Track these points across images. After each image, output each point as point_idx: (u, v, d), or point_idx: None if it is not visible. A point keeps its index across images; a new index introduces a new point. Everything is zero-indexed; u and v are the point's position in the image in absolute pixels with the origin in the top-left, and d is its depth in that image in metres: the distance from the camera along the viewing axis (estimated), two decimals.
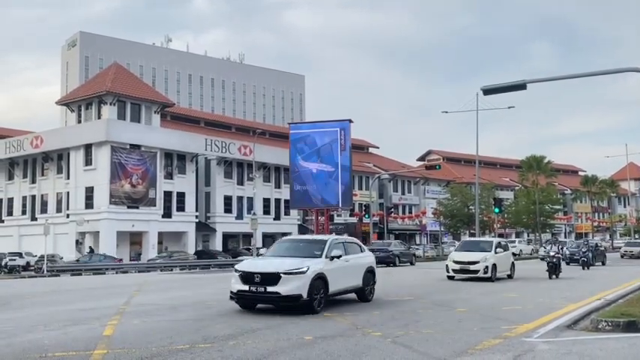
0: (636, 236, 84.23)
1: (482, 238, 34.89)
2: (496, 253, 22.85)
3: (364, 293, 14.63)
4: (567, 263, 33.72)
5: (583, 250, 31.67)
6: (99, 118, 46.35)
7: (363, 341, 9.41)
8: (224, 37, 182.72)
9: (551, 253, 23.79)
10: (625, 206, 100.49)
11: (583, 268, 29.59)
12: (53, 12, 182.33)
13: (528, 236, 79.56)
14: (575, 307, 13.32)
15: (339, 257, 13.19)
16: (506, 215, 66.17)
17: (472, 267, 22.00)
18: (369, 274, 14.88)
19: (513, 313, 12.74)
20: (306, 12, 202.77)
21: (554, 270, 23.27)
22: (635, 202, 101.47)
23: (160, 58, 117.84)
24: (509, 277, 23.50)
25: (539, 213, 62.65)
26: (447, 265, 23.14)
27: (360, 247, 15.48)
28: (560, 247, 25.54)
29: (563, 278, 23.10)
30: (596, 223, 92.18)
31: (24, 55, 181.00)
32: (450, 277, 22.48)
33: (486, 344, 9.00)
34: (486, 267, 21.77)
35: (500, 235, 59.73)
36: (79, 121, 48.21)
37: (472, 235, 58.63)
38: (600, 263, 35.23)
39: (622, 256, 44.74)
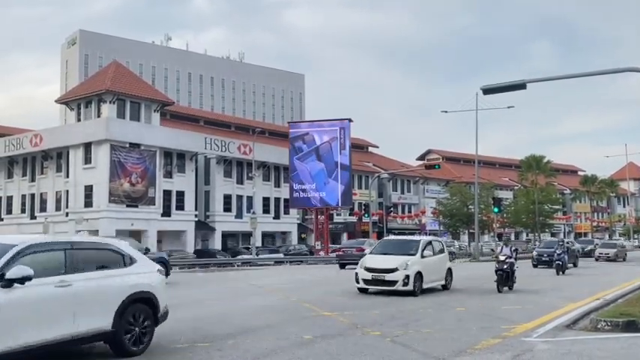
0: (630, 236, 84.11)
1: (407, 237, 25.88)
2: (423, 256, 17.31)
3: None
4: (535, 265, 31.99)
5: (558, 251, 27.06)
6: (98, 116, 46.30)
7: (363, 340, 9.41)
8: (224, 36, 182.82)
9: (501, 258, 18.01)
10: (624, 206, 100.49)
11: (557, 273, 25.80)
12: (53, 10, 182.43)
13: (527, 236, 79.53)
14: (574, 307, 13.33)
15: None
16: (505, 215, 66.13)
17: (388, 276, 16.30)
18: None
19: (512, 312, 12.75)
20: (306, 11, 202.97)
21: (504, 281, 17.66)
22: (635, 202, 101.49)
23: (160, 56, 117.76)
24: (445, 287, 18.34)
25: (539, 213, 62.62)
26: (356, 274, 17.15)
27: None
28: (513, 248, 19.15)
29: (522, 291, 17.92)
30: (595, 223, 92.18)
31: (24, 54, 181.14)
32: (362, 290, 16.93)
33: (485, 344, 9.00)
34: (407, 276, 16.12)
35: (500, 235, 59.75)
36: (79, 120, 48.15)
37: (471, 234, 58.65)
38: (572, 265, 31.05)
39: (596, 259, 40.85)
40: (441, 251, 19.35)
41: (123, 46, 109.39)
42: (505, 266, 17.72)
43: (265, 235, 57.09)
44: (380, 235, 60.53)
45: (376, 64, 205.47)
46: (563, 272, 26.06)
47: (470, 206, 57.07)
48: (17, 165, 52.29)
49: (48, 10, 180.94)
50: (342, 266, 32.28)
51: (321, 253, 47.78)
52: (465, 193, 60.72)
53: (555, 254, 27.13)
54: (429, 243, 18.74)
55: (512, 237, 78.15)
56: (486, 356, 8.15)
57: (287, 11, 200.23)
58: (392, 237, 30.91)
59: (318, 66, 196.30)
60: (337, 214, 62.90)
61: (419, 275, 16.55)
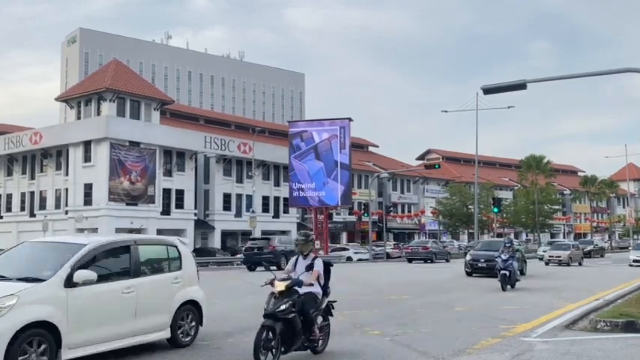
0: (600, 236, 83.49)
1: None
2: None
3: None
4: (469, 273, 24.55)
5: (503, 256, 18.78)
6: (98, 114, 46.27)
7: (362, 340, 9.41)
8: (224, 34, 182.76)
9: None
10: (624, 207, 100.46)
11: (503, 287, 18.03)
12: (53, 8, 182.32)
13: (527, 236, 79.59)
14: (573, 307, 13.31)
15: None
16: (505, 215, 66.22)
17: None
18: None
19: (512, 312, 12.74)
20: (306, 10, 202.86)
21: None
22: (634, 203, 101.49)
23: (160, 55, 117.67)
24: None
25: (538, 213, 62.66)
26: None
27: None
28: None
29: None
30: (595, 224, 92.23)
31: (24, 52, 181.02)
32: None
33: (485, 343, 8.99)
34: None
35: (499, 235, 59.75)
36: (79, 118, 48.12)
37: (471, 235, 58.67)
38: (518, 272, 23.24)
39: (546, 263, 35.25)
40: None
41: (123, 44, 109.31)
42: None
43: (265, 234, 57.02)
44: (379, 235, 60.74)
45: (376, 64, 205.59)
46: (513, 286, 18.55)
47: (469, 206, 57.15)
48: (17, 163, 52.26)
49: (48, 8, 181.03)
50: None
51: (321, 252, 47.76)
52: (465, 193, 60.79)
53: (499, 260, 18.76)
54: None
55: (512, 236, 78.21)
56: (486, 356, 8.14)
57: (287, 10, 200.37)
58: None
59: (318, 65, 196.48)
60: (337, 214, 62.91)
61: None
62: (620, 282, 20.72)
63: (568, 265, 34.09)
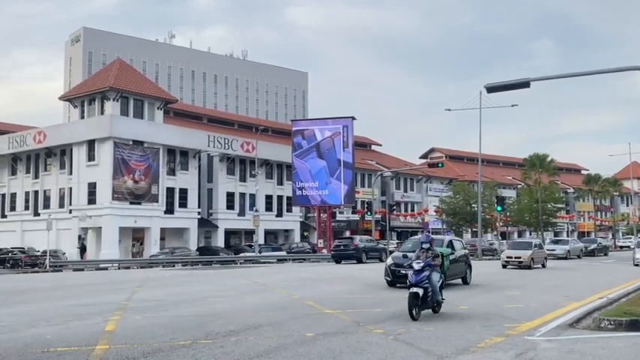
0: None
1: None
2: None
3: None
4: (391, 283, 17.99)
5: (416, 265, 11.66)
6: (102, 113, 46.36)
7: (365, 338, 9.40)
8: (227, 33, 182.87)
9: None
10: (628, 205, 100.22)
11: (412, 315, 11.26)
12: (57, 7, 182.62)
13: (530, 234, 79.44)
14: (577, 306, 13.28)
15: None
16: (508, 214, 66.07)
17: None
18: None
19: (515, 311, 12.71)
20: (309, 9, 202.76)
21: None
22: (638, 201, 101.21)
23: (163, 54, 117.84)
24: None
25: (542, 211, 62.53)
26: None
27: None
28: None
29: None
30: (598, 222, 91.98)
31: (27, 51, 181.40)
32: None
33: (488, 342, 8.98)
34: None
35: (503, 234, 59.67)
36: (82, 117, 48.21)
37: (474, 233, 58.59)
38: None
39: (504, 266, 29.57)
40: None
41: (126, 43, 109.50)
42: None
43: (268, 233, 57.11)
44: (383, 234, 60.70)
45: (379, 62, 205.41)
46: (435, 310, 11.90)
47: (473, 205, 57.05)
48: (21, 162, 52.40)
49: (50, 6, 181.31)
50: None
51: (324, 251, 47.79)
52: (468, 192, 60.68)
53: (410, 272, 11.62)
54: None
55: (516, 235, 78.13)
56: (489, 354, 8.13)
57: (290, 9, 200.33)
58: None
59: (322, 64, 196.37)
60: (340, 212, 62.90)
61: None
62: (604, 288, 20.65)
63: (529, 267, 28.75)
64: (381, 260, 34.11)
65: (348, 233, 65.47)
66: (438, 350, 8.35)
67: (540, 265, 30.27)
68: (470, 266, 20.22)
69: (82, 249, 43.09)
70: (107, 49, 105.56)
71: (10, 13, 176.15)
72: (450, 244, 19.21)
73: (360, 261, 35.43)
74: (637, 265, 31.50)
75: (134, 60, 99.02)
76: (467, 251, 21.48)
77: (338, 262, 36.21)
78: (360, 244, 37.34)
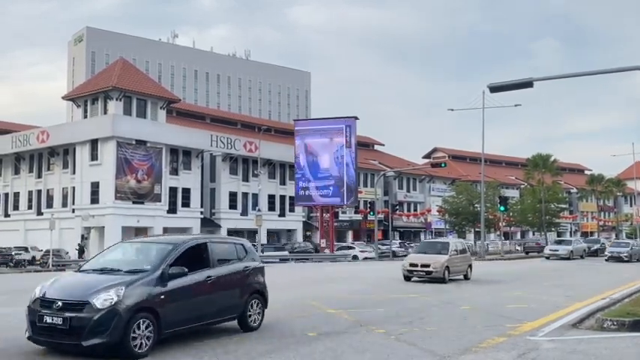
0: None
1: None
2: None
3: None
4: (408, 278, 20.57)
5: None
6: (105, 113, 46.40)
7: (367, 338, 9.40)
8: (230, 33, 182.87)
9: None
10: (631, 205, 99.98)
11: None
12: (60, 7, 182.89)
13: (533, 234, 79.34)
14: (580, 306, 13.27)
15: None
16: (511, 214, 65.96)
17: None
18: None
19: (518, 311, 12.70)
20: (311, 8, 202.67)
21: None
22: None
23: (166, 53, 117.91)
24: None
25: (545, 212, 62.43)
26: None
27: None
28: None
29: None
30: (602, 223, 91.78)
31: (30, 50, 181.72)
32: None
33: (491, 342, 8.97)
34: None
35: (506, 234, 59.58)
36: (85, 117, 48.26)
37: (477, 233, 58.54)
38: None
39: (407, 278, 21.10)
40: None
41: (129, 43, 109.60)
42: None
43: (270, 233, 57.11)
44: (385, 234, 60.64)
45: (382, 62, 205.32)
46: None
47: (476, 205, 56.95)
48: (24, 161, 52.49)
49: (53, 6, 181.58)
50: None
51: (327, 251, 47.77)
52: (471, 192, 60.59)
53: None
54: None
55: (519, 236, 78.01)
56: (492, 354, 8.12)
57: (292, 8, 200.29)
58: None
59: (324, 63, 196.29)
60: (342, 212, 62.87)
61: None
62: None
63: (443, 280, 20.20)
64: None
65: (350, 233, 65.60)
66: (440, 350, 8.34)
67: (462, 277, 21.92)
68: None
69: (81, 250, 42.94)
70: (110, 49, 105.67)
71: (13, 13, 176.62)
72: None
73: None
74: (607, 260, 37.21)
75: (137, 60, 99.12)
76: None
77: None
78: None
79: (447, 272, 20.59)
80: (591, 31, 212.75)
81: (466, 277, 22.05)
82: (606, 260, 38.18)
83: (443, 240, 27.03)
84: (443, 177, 76.70)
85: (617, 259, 37.70)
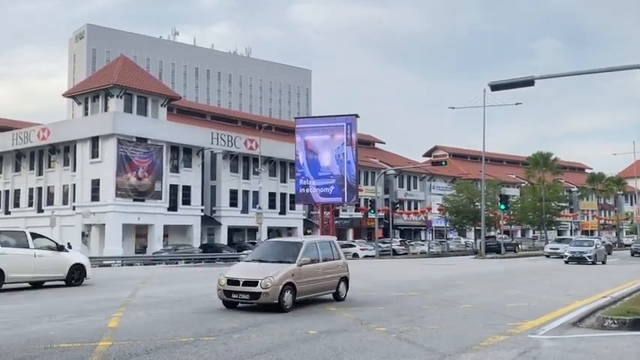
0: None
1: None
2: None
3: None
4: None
5: None
6: (105, 110, 46.40)
7: (368, 336, 9.39)
8: (230, 31, 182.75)
9: None
10: (632, 204, 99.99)
11: None
12: (60, 5, 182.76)
13: (534, 233, 79.34)
14: (580, 305, 13.26)
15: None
16: (512, 212, 65.94)
17: None
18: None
19: (518, 309, 12.69)
20: (312, 6, 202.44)
21: None
22: None
23: (167, 51, 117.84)
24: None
25: (546, 210, 62.42)
26: None
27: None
28: None
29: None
30: (602, 221, 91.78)
31: (31, 48, 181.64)
32: None
33: (491, 341, 8.97)
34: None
35: (506, 232, 59.59)
36: (86, 114, 48.26)
37: (478, 231, 58.56)
38: None
39: (227, 304, 12.68)
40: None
41: (130, 40, 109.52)
42: None
43: (271, 230, 57.11)
44: (386, 232, 60.66)
45: (383, 60, 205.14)
46: None
47: (476, 203, 56.96)
48: (25, 159, 52.49)
49: (55, 4, 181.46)
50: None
51: None
52: (472, 190, 60.59)
53: None
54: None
55: (519, 234, 77.95)
56: (492, 353, 8.11)
57: (293, 6, 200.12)
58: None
59: (325, 62, 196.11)
60: (343, 210, 62.87)
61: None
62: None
63: (280, 307, 12.25)
64: None
65: (351, 231, 65.59)
66: (441, 348, 8.34)
67: (330, 296, 14.35)
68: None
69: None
70: (111, 46, 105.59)
71: (14, 11, 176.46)
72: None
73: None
74: (567, 262, 33.36)
75: (138, 57, 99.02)
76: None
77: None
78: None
79: (288, 294, 12.35)
80: (591, 31, 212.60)
81: (337, 298, 14.16)
82: (566, 262, 33.26)
83: (294, 240, 15.36)
84: (443, 175, 76.69)
85: (579, 260, 33.05)
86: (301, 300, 12.85)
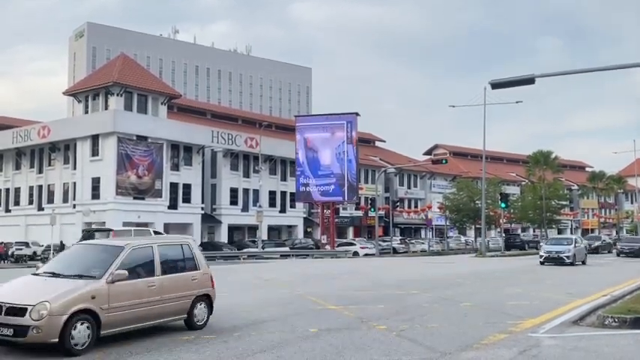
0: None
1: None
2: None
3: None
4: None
5: None
6: (106, 108, 46.37)
7: (368, 334, 9.40)
8: (231, 29, 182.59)
9: None
10: (632, 202, 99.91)
11: None
12: (61, 2, 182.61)
13: (534, 231, 79.34)
14: (581, 303, 13.25)
15: None
16: (512, 210, 65.88)
17: None
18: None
19: (519, 308, 12.69)
20: (313, 5, 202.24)
21: None
22: None
23: (167, 49, 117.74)
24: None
25: (546, 208, 62.39)
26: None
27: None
28: None
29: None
30: (602, 220, 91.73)
31: (32, 46, 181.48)
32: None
33: (492, 339, 8.97)
34: None
35: (507, 231, 59.55)
36: (86, 112, 48.23)
37: (478, 230, 58.60)
38: None
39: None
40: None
41: (130, 38, 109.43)
42: None
43: (271, 229, 57.11)
44: (386, 230, 60.64)
45: (383, 59, 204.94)
46: None
47: (477, 201, 56.95)
48: (25, 157, 52.48)
49: (56, 2, 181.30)
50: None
51: (327, 247, 47.79)
52: (472, 189, 60.58)
53: None
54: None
55: (520, 232, 77.90)
56: (493, 351, 8.12)
57: (294, 5, 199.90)
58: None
59: (325, 60, 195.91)
60: (343, 209, 62.85)
61: None
62: None
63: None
64: None
65: (351, 230, 65.60)
66: (441, 347, 8.34)
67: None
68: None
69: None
70: (111, 45, 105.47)
71: (14, 9, 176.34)
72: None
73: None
74: (542, 263, 29.56)
75: (138, 55, 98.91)
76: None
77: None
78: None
79: (81, 328, 8.09)
80: (593, 30, 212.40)
81: (191, 326, 9.91)
82: (541, 263, 29.62)
83: (112, 242, 10.75)
84: (444, 174, 76.66)
85: (556, 260, 29.35)
86: (121, 332, 8.70)
